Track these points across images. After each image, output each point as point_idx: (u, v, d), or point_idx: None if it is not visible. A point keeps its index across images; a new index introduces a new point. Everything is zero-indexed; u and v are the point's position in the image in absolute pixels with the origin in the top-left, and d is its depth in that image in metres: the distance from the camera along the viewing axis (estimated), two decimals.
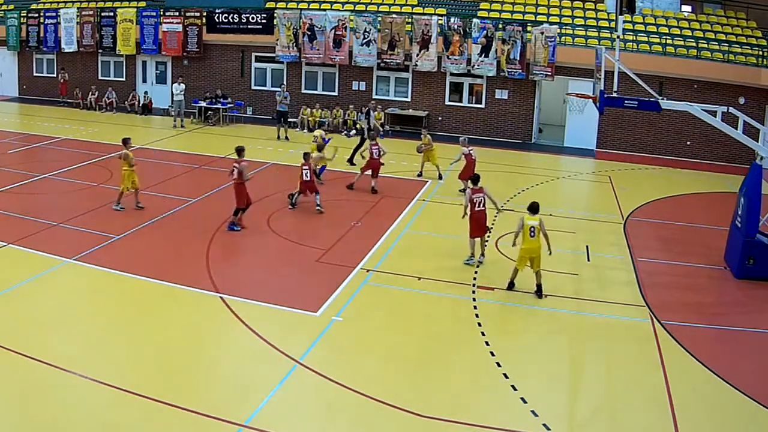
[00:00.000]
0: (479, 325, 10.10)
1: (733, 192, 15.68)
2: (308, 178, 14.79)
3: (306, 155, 14.89)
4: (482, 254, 12.56)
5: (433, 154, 18.29)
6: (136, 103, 27.75)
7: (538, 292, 11.15)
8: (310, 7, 26.78)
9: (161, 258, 12.26)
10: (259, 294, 10.76)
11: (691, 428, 7.78)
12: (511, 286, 11.37)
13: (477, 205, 12.28)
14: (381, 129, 20.67)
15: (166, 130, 24.46)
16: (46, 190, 16.12)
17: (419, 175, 18.39)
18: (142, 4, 28.95)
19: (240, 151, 13.81)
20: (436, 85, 25.00)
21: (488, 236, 13.02)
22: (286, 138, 22.90)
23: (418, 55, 24.21)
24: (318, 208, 14.82)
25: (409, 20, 24.35)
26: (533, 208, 11.23)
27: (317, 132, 18.27)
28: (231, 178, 13.63)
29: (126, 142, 14.76)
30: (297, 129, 24.70)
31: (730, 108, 12.78)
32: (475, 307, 10.68)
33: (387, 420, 7.76)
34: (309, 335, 9.57)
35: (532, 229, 10.96)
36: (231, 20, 26.54)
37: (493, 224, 14.71)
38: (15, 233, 12.87)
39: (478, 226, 12.36)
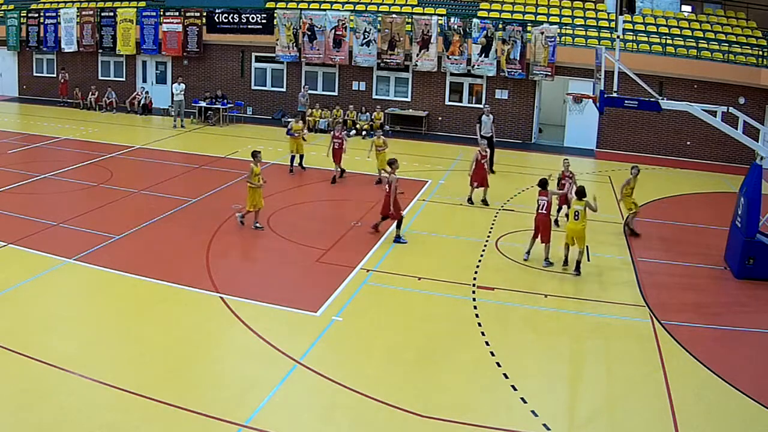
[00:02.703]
0: (479, 325, 10.10)
1: (733, 192, 15.68)
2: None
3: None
4: (547, 259, 12.57)
5: (383, 157, 17.28)
6: (137, 103, 27.76)
7: (576, 270, 12.14)
8: (310, 7, 26.78)
9: (161, 258, 12.25)
10: (259, 294, 10.75)
11: (691, 428, 7.77)
12: (565, 262, 12.42)
13: (540, 207, 12.62)
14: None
15: (166, 130, 24.46)
16: (46, 190, 16.11)
17: (377, 182, 17.45)
18: (142, 4, 28.95)
19: (391, 163, 13.78)
20: (436, 85, 25.00)
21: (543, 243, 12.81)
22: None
23: (418, 55, 24.21)
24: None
25: (409, 20, 24.35)
26: (580, 193, 12.17)
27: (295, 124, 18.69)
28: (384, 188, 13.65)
29: (255, 155, 13.76)
30: None
31: (730, 108, 12.78)
32: (475, 307, 10.68)
33: (387, 420, 7.76)
34: (309, 335, 9.56)
35: (576, 212, 12.07)
36: (231, 20, 26.55)
37: (493, 224, 14.75)
38: (15, 233, 12.87)
39: (536, 228, 12.67)
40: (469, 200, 16.13)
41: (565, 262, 12.46)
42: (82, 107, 28.32)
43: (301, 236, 13.52)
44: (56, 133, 22.86)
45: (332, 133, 18.16)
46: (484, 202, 16.04)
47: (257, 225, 13.74)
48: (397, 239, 13.38)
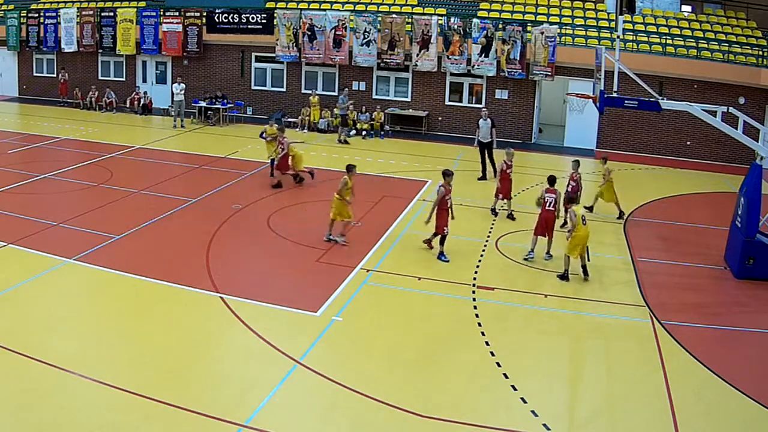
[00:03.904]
0: (479, 325, 10.10)
1: (733, 192, 15.68)
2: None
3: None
4: (548, 252, 12.72)
5: (273, 147, 16.64)
6: (137, 102, 27.76)
7: (585, 273, 11.92)
8: (310, 7, 26.78)
9: (161, 258, 12.25)
10: (259, 294, 10.75)
11: (691, 428, 7.77)
12: (565, 277, 11.83)
13: (547, 204, 12.61)
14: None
15: (166, 130, 24.46)
16: (46, 190, 16.11)
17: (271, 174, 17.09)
18: (142, 4, 28.95)
19: (445, 174, 12.53)
20: (436, 85, 25.00)
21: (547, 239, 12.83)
22: (346, 142, 22.90)
23: (418, 55, 24.21)
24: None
25: (409, 20, 24.35)
26: (576, 200, 12.67)
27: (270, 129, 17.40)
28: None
29: (350, 169, 13.08)
30: (297, 129, 24.72)
31: (730, 108, 12.79)
32: (475, 307, 10.68)
33: (387, 420, 7.76)
34: (309, 335, 9.56)
35: (583, 217, 11.89)
36: (231, 20, 26.55)
37: (492, 225, 14.75)
38: (15, 233, 12.86)
39: (544, 226, 12.62)
40: (493, 211, 15.36)
41: (585, 273, 11.89)
42: (82, 107, 28.31)
43: (301, 236, 13.52)
44: (56, 133, 22.86)
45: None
46: (493, 211, 15.35)
47: (333, 237, 13.10)
48: (440, 256, 12.51)
